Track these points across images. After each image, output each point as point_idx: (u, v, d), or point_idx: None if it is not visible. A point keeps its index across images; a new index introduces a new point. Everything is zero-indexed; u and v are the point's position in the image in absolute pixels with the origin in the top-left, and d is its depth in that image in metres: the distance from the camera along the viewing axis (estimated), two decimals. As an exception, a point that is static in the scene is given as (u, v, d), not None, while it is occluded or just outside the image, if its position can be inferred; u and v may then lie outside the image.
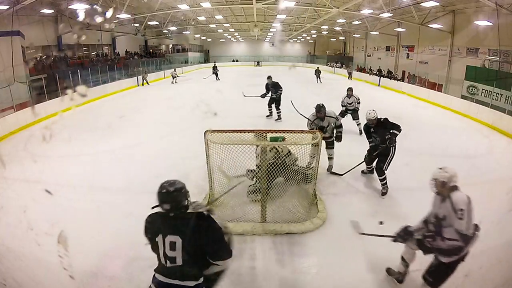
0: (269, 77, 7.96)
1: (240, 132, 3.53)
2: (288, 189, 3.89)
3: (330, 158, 4.90)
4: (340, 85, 18.07)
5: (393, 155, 4.18)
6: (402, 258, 2.70)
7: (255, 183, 4.04)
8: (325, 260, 3.06)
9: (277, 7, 16.13)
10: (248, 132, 3.54)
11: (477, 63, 13.31)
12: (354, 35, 26.15)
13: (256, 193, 3.92)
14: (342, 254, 3.12)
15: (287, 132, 3.56)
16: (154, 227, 1.64)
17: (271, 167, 3.45)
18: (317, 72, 18.24)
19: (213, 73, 18.41)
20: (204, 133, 3.53)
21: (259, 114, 8.96)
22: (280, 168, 3.54)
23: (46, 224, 3.30)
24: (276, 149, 3.72)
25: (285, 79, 18.28)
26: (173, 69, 18.93)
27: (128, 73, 16.74)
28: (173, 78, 17.79)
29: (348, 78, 21.42)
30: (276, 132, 3.63)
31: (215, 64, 20.60)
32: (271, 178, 3.50)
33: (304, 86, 16.56)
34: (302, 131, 3.59)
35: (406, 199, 4.27)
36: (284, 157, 3.73)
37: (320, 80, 17.88)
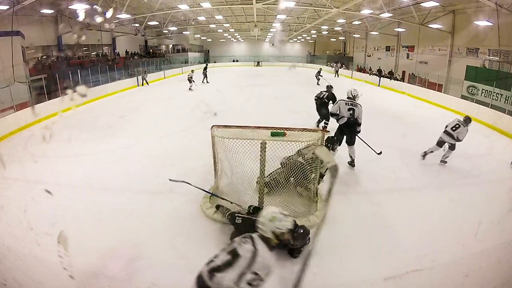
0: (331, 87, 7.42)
1: (244, 128, 3.64)
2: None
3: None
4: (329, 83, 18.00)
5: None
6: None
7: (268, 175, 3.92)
8: (325, 259, 3.06)
9: (277, 7, 16.15)
10: (253, 128, 3.59)
11: (477, 63, 13.31)
12: (354, 35, 26.13)
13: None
14: (342, 253, 3.12)
15: (290, 130, 3.59)
16: None
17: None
18: (318, 73, 16.60)
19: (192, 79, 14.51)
20: (211, 128, 3.69)
21: (259, 114, 8.97)
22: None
23: (46, 224, 3.32)
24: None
25: (285, 79, 18.46)
26: (190, 70, 15.10)
27: (128, 73, 16.74)
28: (190, 83, 14.22)
29: (335, 76, 21.08)
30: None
31: (192, 70, 15.27)
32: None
33: (304, 86, 16.58)
34: (304, 129, 3.62)
35: (407, 198, 4.28)
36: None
37: (318, 82, 16.45)
